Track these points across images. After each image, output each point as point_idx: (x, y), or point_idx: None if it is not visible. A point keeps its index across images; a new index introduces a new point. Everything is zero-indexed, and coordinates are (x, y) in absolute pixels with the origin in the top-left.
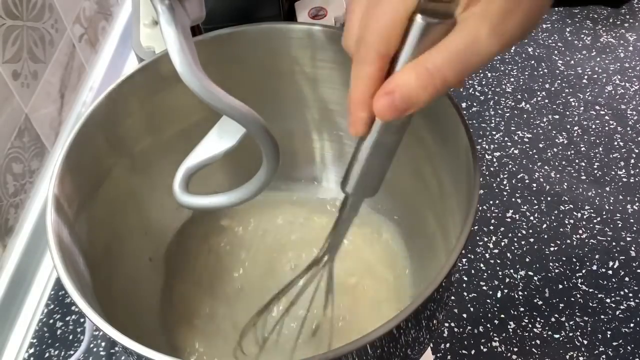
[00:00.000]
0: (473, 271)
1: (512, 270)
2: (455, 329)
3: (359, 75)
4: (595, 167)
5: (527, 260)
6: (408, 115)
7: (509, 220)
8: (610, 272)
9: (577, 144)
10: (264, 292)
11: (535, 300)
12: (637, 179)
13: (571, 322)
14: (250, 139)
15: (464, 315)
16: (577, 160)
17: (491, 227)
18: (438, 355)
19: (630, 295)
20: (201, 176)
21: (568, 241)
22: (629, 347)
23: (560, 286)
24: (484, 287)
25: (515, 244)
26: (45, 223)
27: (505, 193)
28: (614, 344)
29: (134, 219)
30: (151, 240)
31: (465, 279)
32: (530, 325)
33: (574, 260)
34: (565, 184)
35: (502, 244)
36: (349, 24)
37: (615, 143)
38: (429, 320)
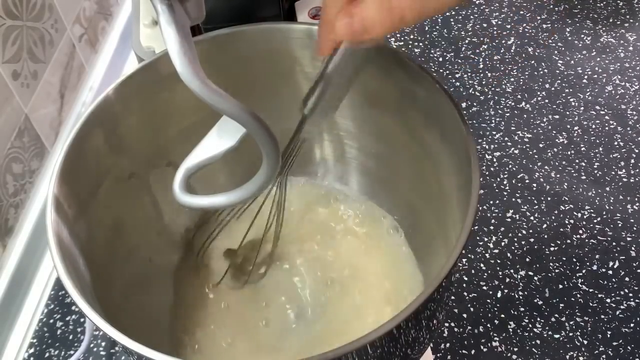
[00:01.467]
0: (473, 271)
1: (512, 270)
2: (455, 329)
3: (330, 4)
4: (595, 167)
5: (527, 260)
6: (365, 49)
7: (509, 220)
8: (610, 272)
9: (577, 144)
10: (266, 286)
11: (535, 300)
12: (637, 179)
13: (571, 322)
14: (250, 139)
15: (464, 315)
16: (577, 160)
17: (491, 227)
18: (438, 355)
19: (630, 295)
20: (201, 176)
21: (568, 241)
22: (629, 347)
23: (560, 286)
24: (484, 287)
25: (515, 244)
26: (45, 223)
27: (505, 193)
28: (614, 344)
29: (133, 219)
30: (151, 241)
31: (465, 279)
32: (530, 325)
33: (574, 260)
34: (565, 184)
35: (502, 244)
36: None
37: (615, 143)
38: (429, 320)
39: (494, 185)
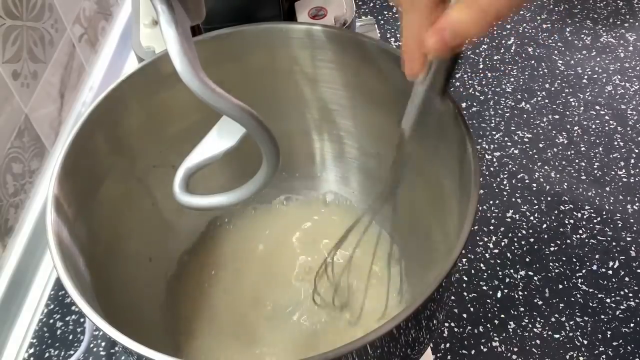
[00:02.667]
0: (473, 271)
1: (512, 270)
2: (455, 329)
3: (412, 21)
4: (595, 167)
5: (527, 260)
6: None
7: (509, 220)
8: (610, 272)
9: (577, 144)
10: (266, 290)
11: (535, 300)
12: (637, 179)
13: (571, 322)
14: (250, 139)
15: (464, 315)
16: (577, 160)
17: (491, 227)
18: (438, 355)
19: (630, 295)
20: (201, 176)
21: (568, 241)
22: (629, 347)
23: (560, 286)
24: (484, 287)
25: (515, 244)
26: (45, 223)
27: (505, 193)
28: (614, 344)
29: (134, 219)
30: (151, 241)
31: (465, 279)
32: (530, 325)
33: (574, 260)
34: (565, 184)
35: (502, 244)
36: None
37: (615, 143)
38: (429, 320)
39: (494, 185)
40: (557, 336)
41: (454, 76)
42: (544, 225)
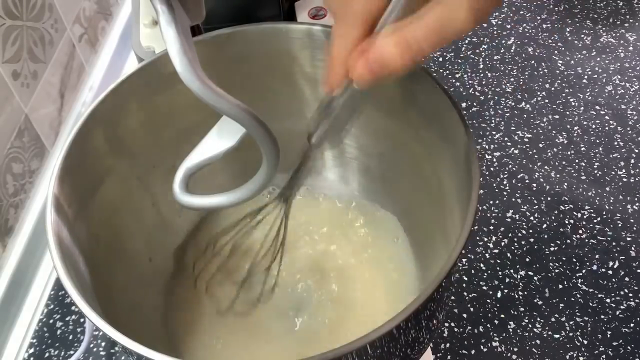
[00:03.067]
0: (473, 271)
1: (512, 270)
2: (455, 329)
3: (341, 35)
4: (595, 167)
5: (527, 260)
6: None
7: (509, 220)
8: (610, 272)
9: (577, 144)
10: (266, 292)
11: (535, 300)
12: (637, 179)
13: (571, 322)
14: (250, 139)
15: (464, 315)
16: (577, 160)
17: (491, 227)
18: (438, 355)
19: (630, 295)
20: (201, 176)
21: (568, 241)
22: (629, 347)
23: (560, 286)
24: (484, 287)
25: (515, 244)
26: (45, 223)
27: (505, 193)
28: (614, 344)
29: (134, 219)
30: (151, 241)
31: (465, 279)
32: (530, 325)
33: (574, 260)
34: (565, 184)
35: (502, 244)
36: None
37: (615, 143)
38: (429, 320)
39: (494, 185)
40: (557, 336)
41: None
42: (544, 225)
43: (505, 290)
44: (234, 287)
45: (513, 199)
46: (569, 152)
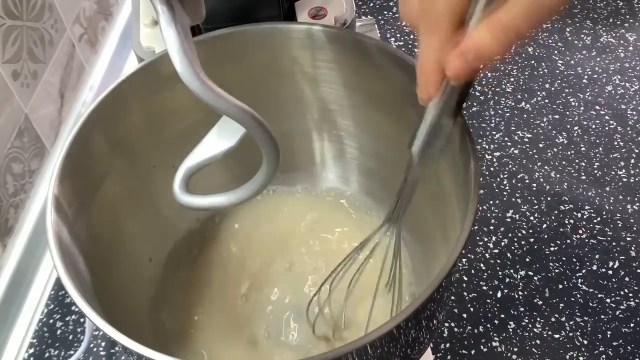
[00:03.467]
0: (473, 271)
1: (512, 270)
2: (455, 329)
3: (430, 44)
4: (595, 167)
5: (527, 260)
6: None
7: (509, 220)
8: (610, 272)
9: (577, 144)
10: (268, 290)
11: (535, 300)
12: (637, 179)
13: (571, 322)
14: (250, 139)
15: (464, 315)
16: (577, 160)
17: (491, 227)
18: (438, 355)
19: (630, 295)
20: (201, 176)
21: (568, 241)
22: (629, 347)
23: (560, 286)
24: (484, 287)
25: (515, 244)
26: (45, 223)
27: (505, 193)
28: (614, 344)
29: (134, 219)
30: (151, 241)
31: (465, 279)
32: (530, 325)
33: (574, 260)
34: (565, 184)
35: (502, 244)
36: None
37: (615, 143)
38: (429, 320)
39: (494, 185)
40: (557, 336)
41: (467, 98)
42: (544, 225)
43: (505, 290)
44: None
45: (513, 199)
46: (569, 152)
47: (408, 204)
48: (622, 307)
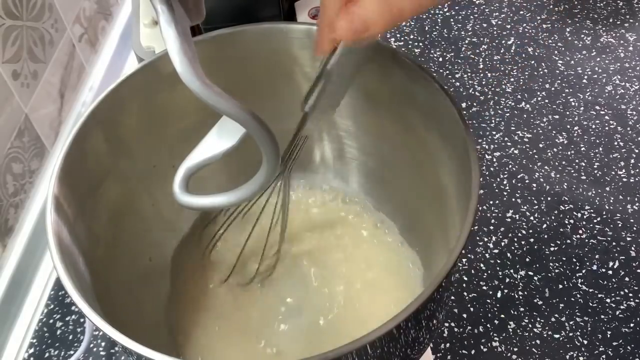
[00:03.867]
0: (473, 271)
1: (512, 270)
2: (455, 329)
3: (329, 5)
4: (595, 167)
5: (527, 260)
6: (364, 47)
7: (509, 220)
8: (610, 272)
9: (577, 144)
10: (268, 289)
11: (535, 300)
12: (637, 179)
13: (571, 322)
14: (250, 139)
15: (464, 315)
16: (577, 160)
17: (491, 227)
18: (438, 355)
19: (630, 295)
20: (201, 176)
21: (568, 241)
22: (629, 347)
23: (560, 286)
24: (484, 287)
25: (515, 244)
26: (45, 223)
27: (505, 193)
28: (614, 344)
29: (134, 219)
30: (151, 241)
31: (465, 279)
32: (530, 325)
33: (574, 260)
34: (565, 184)
35: (502, 244)
36: None
37: (615, 143)
38: (429, 320)
39: (494, 185)
40: (557, 336)
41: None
42: (544, 225)
43: (505, 290)
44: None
45: (513, 199)
46: (569, 152)
47: (297, 157)
48: (622, 307)
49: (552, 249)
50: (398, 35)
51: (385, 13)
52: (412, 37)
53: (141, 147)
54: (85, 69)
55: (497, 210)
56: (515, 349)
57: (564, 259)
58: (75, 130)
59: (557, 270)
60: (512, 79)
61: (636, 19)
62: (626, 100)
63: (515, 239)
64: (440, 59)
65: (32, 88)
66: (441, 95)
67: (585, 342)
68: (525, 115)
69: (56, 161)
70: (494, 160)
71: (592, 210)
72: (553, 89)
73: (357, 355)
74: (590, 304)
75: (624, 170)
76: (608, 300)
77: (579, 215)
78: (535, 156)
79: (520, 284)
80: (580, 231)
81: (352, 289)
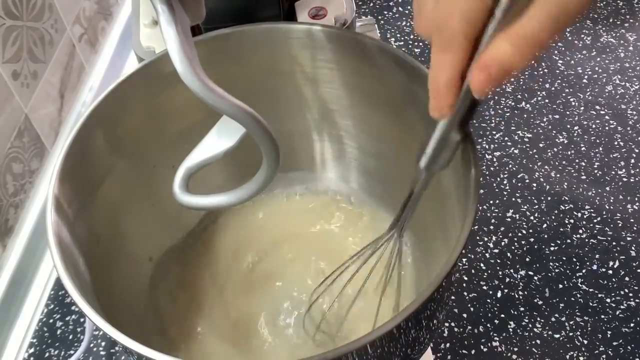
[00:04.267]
0: (473, 271)
1: (512, 270)
2: (455, 329)
3: (445, 62)
4: (595, 167)
5: (527, 260)
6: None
7: (509, 220)
8: (610, 272)
9: (577, 144)
10: (268, 289)
11: (535, 300)
12: (637, 179)
13: (571, 322)
14: (250, 139)
15: (464, 315)
16: (577, 160)
17: (491, 227)
18: (438, 355)
19: (631, 295)
20: (201, 176)
21: (568, 241)
22: (629, 347)
23: (560, 286)
24: (484, 287)
25: (515, 244)
26: (45, 223)
27: (505, 193)
28: (614, 344)
29: (134, 219)
30: (151, 241)
31: (465, 279)
32: (530, 325)
33: (574, 260)
34: (565, 184)
35: (502, 244)
36: (423, 7)
37: (615, 143)
38: (429, 320)
39: (494, 185)
40: (557, 336)
41: (476, 110)
42: (544, 225)
43: (505, 290)
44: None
45: (513, 199)
46: (569, 152)
47: (412, 214)
48: (622, 307)
49: (552, 248)
50: (398, 35)
51: (525, 51)
52: (412, 37)
53: (141, 147)
54: (85, 69)
55: (497, 210)
56: (516, 349)
57: (564, 258)
58: (75, 130)
59: (557, 270)
60: (512, 79)
61: (636, 19)
62: (626, 100)
63: (516, 239)
64: None
65: (32, 88)
66: None
67: (586, 342)
68: (525, 115)
69: (56, 161)
70: (494, 160)
71: (592, 210)
72: (553, 88)
73: (357, 355)
74: (591, 304)
75: (624, 170)
76: (608, 300)
77: (579, 215)
78: (536, 156)
79: (521, 283)
80: (581, 231)
81: (352, 289)
